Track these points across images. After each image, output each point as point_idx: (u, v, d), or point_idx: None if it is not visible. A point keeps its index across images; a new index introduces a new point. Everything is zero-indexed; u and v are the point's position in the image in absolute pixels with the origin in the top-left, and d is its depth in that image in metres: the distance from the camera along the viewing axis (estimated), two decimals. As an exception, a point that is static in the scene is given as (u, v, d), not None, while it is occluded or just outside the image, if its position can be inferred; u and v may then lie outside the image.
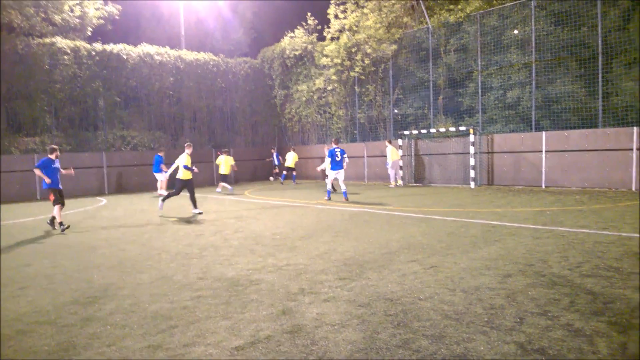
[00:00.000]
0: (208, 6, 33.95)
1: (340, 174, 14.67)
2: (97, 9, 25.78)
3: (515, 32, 18.07)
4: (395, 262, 6.40)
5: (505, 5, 18.14)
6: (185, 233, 9.70)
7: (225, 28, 35.59)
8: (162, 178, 18.04)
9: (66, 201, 18.15)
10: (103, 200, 18.38)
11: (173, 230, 10.14)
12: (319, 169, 15.74)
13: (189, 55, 25.72)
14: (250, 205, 14.93)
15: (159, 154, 18.45)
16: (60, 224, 10.56)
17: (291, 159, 23.00)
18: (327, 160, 14.59)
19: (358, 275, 5.80)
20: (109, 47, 22.95)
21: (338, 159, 14.53)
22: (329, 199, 14.75)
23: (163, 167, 18.16)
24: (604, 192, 14.23)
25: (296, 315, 4.49)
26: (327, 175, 15.17)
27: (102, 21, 26.09)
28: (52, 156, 10.71)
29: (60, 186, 10.88)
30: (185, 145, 13.05)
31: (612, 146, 14.86)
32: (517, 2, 17.77)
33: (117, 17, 27.21)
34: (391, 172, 19.52)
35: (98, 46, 22.63)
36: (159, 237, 9.35)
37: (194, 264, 6.82)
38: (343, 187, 14.71)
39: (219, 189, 20.31)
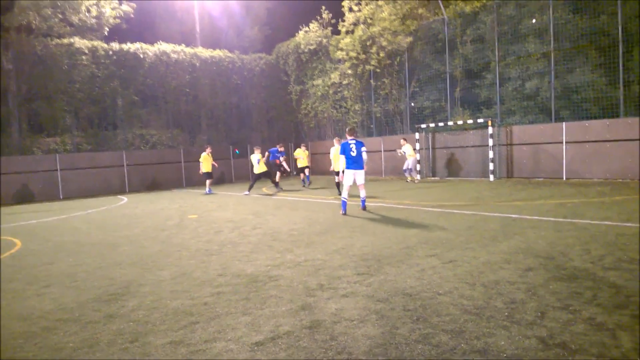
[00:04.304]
0: (221, 4, 34.07)
1: (360, 176, 10.91)
2: (113, 9, 26.08)
3: (533, 21, 17.75)
4: (413, 257, 6.38)
5: (523, -6, 17.85)
6: (204, 230, 9.80)
7: (239, 25, 35.67)
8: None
9: (88, 200, 18.67)
10: (124, 199, 18.66)
11: (192, 228, 10.25)
12: (332, 169, 14.32)
13: (204, 53, 25.88)
14: (267, 201, 15.00)
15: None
16: None
17: (301, 155, 20.11)
18: (340, 158, 11.05)
19: (376, 271, 5.80)
20: (126, 46, 23.22)
21: (354, 154, 10.74)
22: (345, 212, 10.90)
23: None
24: (626, 183, 13.95)
25: (315, 311, 4.51)
26: (339, 178, 12.02)
27: (118, 20, 26.38)
28: None
29: None
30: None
31: (634, 136, 14.53)
32: (535, -10, 17.47)
33: (132, 16, 27.48)
34: (410, 167, 19.14)
35: (115, 45, 22.92)
36: (178, 234, 9.46)
37: (213, 261, 6.89)
38: (362, 194, 11.20)
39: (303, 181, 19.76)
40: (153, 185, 22.86)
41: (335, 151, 14.35)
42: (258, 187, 19.31)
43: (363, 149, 10.84)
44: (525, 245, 6.70)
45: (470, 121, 18.46)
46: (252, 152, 18.36)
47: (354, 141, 10.83)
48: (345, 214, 10.84)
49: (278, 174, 18.98)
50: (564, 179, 16.10)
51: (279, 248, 7.54)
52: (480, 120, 17.97)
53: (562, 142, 16.24)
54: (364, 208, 11.17)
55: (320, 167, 25.82)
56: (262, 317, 4.45)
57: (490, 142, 17.49)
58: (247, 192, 17.76)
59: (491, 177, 17.51)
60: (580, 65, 16.30)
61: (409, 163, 18.48)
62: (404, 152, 18.45)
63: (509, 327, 3.87)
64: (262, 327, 4.18)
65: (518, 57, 17.94)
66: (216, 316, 4.53)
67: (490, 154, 17.54)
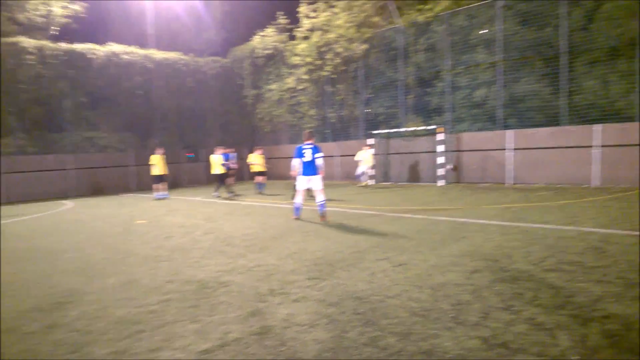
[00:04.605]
0: (177, 5, 33.47)
1: (315, 182, 10.46)
2: (63, 8, 25.15)
3: (483, 31, 18.41)
4: (365, 261, 6.45)
5: (473, 5, 18.47)
6: (154, 236, 9.55)
7: (194, 27, 35.14)
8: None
9: (31, 205, 17.79)
10: (70, 204, 17.93)
11: (141, 233, 9.97)
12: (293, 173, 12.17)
13: (157, 55, 25.32)
14: (221, 206, 14.80)
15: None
16: None
17: (256, 160, 19.09)
18: (295, 161, 10.62)
19: (328, 275, 5.82)
20: (75, 46, 22.41)
21: (307, 160, 10.40)
22: (298, 217, 10.81)
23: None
24: (567, 188, 14.64)
25: (265, 317, 4.49)
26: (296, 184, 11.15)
27: (68, 20, 25.46)
28: None
29: None
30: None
31: (575, 143, 15.30)
32: (484, 2, 18.12)
33: (84, 16, 26.59)
34: (363, 172, 19.47)
35: (64, 45, 22.07)
36: (126, 240, 9.18)
37: (162, 267, 6.73)
38: (319, 198, 10.45)
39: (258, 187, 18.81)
40: (101, 190, 22.09)
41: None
42: (210, 192, 18.93)
43: (318, 155, 10.42)
44: (472, 248, 6.91)
45: (422, 128, 18.92)
46: (212, 153, 18.11)
47: (309, 146, 10.45)
48: (298, 218, 10.75)
49: (231, 178, 18.59)
50: (510, 184, 16.73)
51: (231, 253, 7.45)
52: (431, 127, 18.44)
53: (508, 149, 16.88)
54: (323, 216, 10.33)
55: (275, 172, 25.73)
56: (211, 324, 4.38)
57: (441, 148, 17.97)
58: (216, 194, 17.62)
59: (441, 182, 17.97)
60: (526, 75, 17.02)
61: (363, 168, 18.86)
62: (360, 160, 18.93)
63: (454, 328, 3.98)
64: (211, 335, 4.11)
65: (468, 66, 18.54)
66: (163, 324, 4.42)
67: (441, 160, 18.01)
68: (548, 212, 10.01)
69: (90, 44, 23.05)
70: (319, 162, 10.47)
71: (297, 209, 10.84)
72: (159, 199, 17.70)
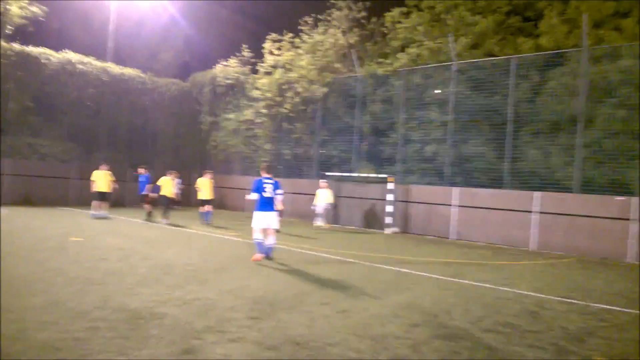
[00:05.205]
0: (140, 22, 33.12)
1: (272, 219, 9.80)
2: (21, 8, 24.26)
3: (436, 91, 19.30)
4: (306, 304, 6.35)
5: (429, 65, 19.41)
6: (88, 256, 9.05)
7: (156, 47, 34.79)
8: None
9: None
10: (2, 211, 16.76)
11: (74, 251, 9.43)
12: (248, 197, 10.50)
13: (114, 69, 24.71)
14: (164, 231, 14.30)
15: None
16: None
17: (204, 186, 17.72)
18: (252, 195, 9.83)
19: (268, 315, 5.68)
20: (29, 49, 21.55)
21: (268, 195, 9.72)
22: (268, 255, 9.79)
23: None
24: (505, 249, 15.21)
25: (199, 355, 4.29)
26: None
27: (25, 21, 24.53)
28: None
29: None
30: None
31: (515, 207, 16.02)
32: (440, 64, 19.08)
33: (42, 19, 25.74)
34: (321, 212, 19.16)
35: (16, 46, 21.17)
36: (57, 258, 8.64)
37: (92, 291, 6.35)
38: (271, 241, 9.84)
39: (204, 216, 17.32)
40: (37, 200, 20.76)
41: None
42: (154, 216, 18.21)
43: (279, 191, 10.10)
44: (413, 300, 6.97)
45: (373, 175, 19.28)
46: (164, 175, 17.42)
47: (270, 181, 9.81)
48: (267, 256, 9.72)
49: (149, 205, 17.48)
50: (453, 239, 17.21)
51: (168, 283, 7.15)
52: (382, 175, 18.83)
53: (453, 205, 17.44)
54: (269, 256, 9.75)
55: (224, 202, 25.27)
56: (140, 358, 4.13)
57: (390, 197, 18.32)
58: (165, 220, 16.43)
59: (388, 230, 18.24)
60: (474, 137, 17.85)
61: (321, 207, 18.68)
62: (319, 199, 18.71)
63: (392, 382, 3.94)
64: (139, 370, 3.87)
65: (421, 122, 19.26)
66: (87, 354, 4.13)
67: (389, 208, 18.34)
68: (487, 271, 10.31)
69: (45, 48, 22.23)
70: (279, 198, 10.15)
71: (261, 245, 9.73)
72: (97, 217, 16.72)
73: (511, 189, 16.51)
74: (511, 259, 12.74)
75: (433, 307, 6.66)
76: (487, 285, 8.61)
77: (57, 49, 22.91)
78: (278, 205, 10.25)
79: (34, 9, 24.70)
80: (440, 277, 9.09)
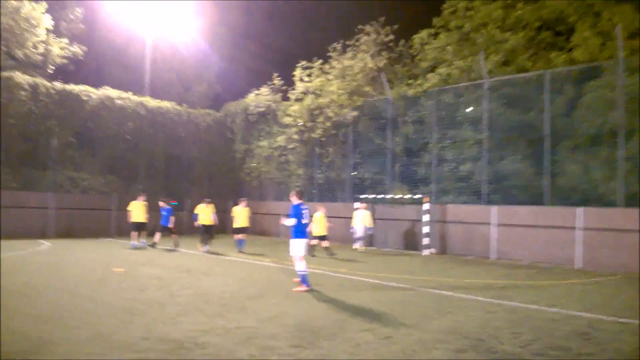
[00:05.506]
0: (175, 57, 34.32)
1: (307, 247, 9.71)
2: (61, 48, 25.56)
3: (469, 110, 19.09)
4: (348, 330, 6.25)
5: (461, 85, 19.27)
6: (129, 286, 9.22)
7: (189, 80, 35.91)
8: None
9: (6, 242, 17.07)
10: (47, 244, 17.34)
11: (117, 282, 9.62)
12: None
13: (151, 102, 25.56)
14: (201, 259, 14.46)
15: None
16: None
17: (240, 215, 17.44)
18: (289, 221, 9.43)
19: (310, 344, 5.61)
20: (70, 87, 22.56)
21: (304, 222, 9.48)
22: (309, 287, 9.25)
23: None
24: (550, 268, 14.67)
25: (244, 385, 4.26)
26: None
27: (65, 60, 25.79)
28: None
29: None
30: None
31: (557, 224, 15.49)
32: (472, 83, 18.92)
33: (82, 59, 27.00)
34: (360, 234, 18.82)
35: (58, 85, 22.20)
36: (101, 289, 8.83)
37: (136, 321, 6.44)
38: (301, 268, 9.36)
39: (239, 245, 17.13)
40: (80, 232, 21.42)
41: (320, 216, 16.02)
42: (192, 244, 18.45)
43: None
44: (456, 324, 6.77)
45: (408, 196, 19.07)
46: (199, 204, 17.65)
47: (306, 207, 9.55)
48: (310, 287, 9.22)
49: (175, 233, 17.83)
50: (494, 259, 16.73)
51: (208, 311, 7.18)
52: (417, 196, 18.61)
53: (492, 224, 17.01)
54: (308, 286, 9.26)
55: (258, 228, 25.44)
56: (186, 389, 4.13)
57: (426, 217, 18.04)
58: (205, 247, 16.60)
59: (425, 252, 17.91)
60: (511, 154, 17.49)
61: (360, 229, 18.34)
62: (357, 221, 18.33)
63: (442, 412, 3.81)
64: (185, 401, 3.87)
65: (454, 141, 19.04)
66: (135, 385, 4.16)
67: (426, 229, 18.04)
68: (532, 292, 9.95)
69: (85, 85, 23.23)
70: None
71: (306, 277, 9.30)
72: (135, 248, 17.02)
73: (552, 206, 16.02)
74: (557, 278, 12.27)
75: (479, 331, 6.44)
76: (534, 306, 8.29)
77: (96, 85, 23.91)
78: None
79: (75, 49, 26.01)
80: (484, 300, 8.81)
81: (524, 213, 16.34)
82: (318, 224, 16.32)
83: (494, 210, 17.00)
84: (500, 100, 18.02)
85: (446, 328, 6.54)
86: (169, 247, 17.17)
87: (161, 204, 18.14)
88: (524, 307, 8.25)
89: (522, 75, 18.21)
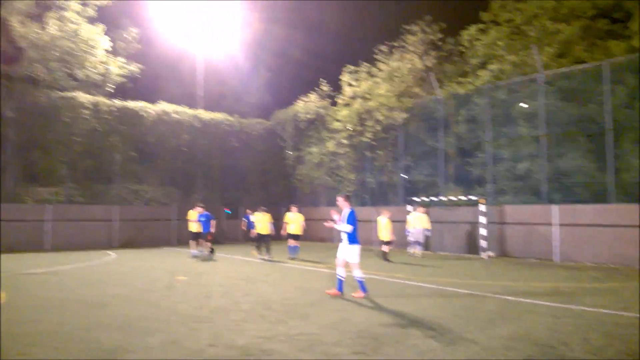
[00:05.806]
0: (225, 70, 35.38)
1: (359, 251, 9.21)
2: (119, 67, 26.86)
3: (524, 105, 18.49)
4: (411, 337, 6.22)
5: (514, 80, 18.70)
6: (194, 294, 9.55)
7: (240, 91, 36.81)
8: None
9: (75, 253, 18.18)
10: (113, 255, 18.26)
11: (182, 290, 10.00)
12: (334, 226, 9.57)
13: (205, 115, 26.46)
14: (260, 266, 14.76)
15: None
16: None
17: (293, 221, 17.49)
18: (346, 227, 9.07)
19: (374, 351, 5.62)
20: (129, 103, 23.72)
21: (355, 228, 9.21)
22: (366, 292, 9.15)
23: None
24: (617, 269, 13.96)
25: (312, 392, 4.33)
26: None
27: (123, 79, 27.09)
28: None
29: None
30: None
31: (624, 222, 14.71)
32: (525, 77, 18.32)
33: (138, 76, 28.25)
34: (417, 238, 18.34)
35: (118, 102, 23.41)
36: (167, 297, 9.20)
37: (203, 329, 6.67)
38: (358, 275, 9.19)
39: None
40: (143, 242, 22.47)
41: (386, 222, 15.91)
42: (248, 251, 18.91)
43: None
44: (524, 330, 6.58)
45: (463, 198, 18.66)
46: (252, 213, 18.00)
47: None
48: (367, 293, 9.12)
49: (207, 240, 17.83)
50: (557, 260, 16.09)
51: (271, 318, 7.34)
52: (472, 197, 18.17)
53: (554, 224, 16.36)
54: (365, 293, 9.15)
55: (311, 235, 25.64)
56: (257, 396, 4.26)
57: (483, 219, 17.58)
58: (267, 257, 16.68)
59: (484, 255, 17.46)
60: (571, 150, 16.81)
61: (419, 233, 17.80)
62: (413, 225, 17.81)
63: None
64: (258, 408, 3.99)
65: (510, 139, 18.49)
66: (209, 392, 4.33)
67: (483, 232, 17.58)
68: (601, 295, 9.52)
69: (142, 102, 24.34)
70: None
71: (362, 283, 9.21)
72: (195, 256, 17.43)
73: (617, 203, 15.24)
74: (626, 280, 11.67)
75: (548, 337, 6.23)
76: (604, 310, 7.93)
77: (152, 101, 25.00)
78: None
79: (132, 67, 27.27)
80: (551, 304, 8.51)
81: (587, 211, 15.65)
82: (385, 229, 16.30)
83: (555, 209, 16.37)
84: (557, 94, 17.38)
85: (513, 334, 6.37)
86: (203, 252, 17.59)
87: (199, 209, 18.02)
88: (594, 311, 7.90)
89: (579, 66, 17.49)
